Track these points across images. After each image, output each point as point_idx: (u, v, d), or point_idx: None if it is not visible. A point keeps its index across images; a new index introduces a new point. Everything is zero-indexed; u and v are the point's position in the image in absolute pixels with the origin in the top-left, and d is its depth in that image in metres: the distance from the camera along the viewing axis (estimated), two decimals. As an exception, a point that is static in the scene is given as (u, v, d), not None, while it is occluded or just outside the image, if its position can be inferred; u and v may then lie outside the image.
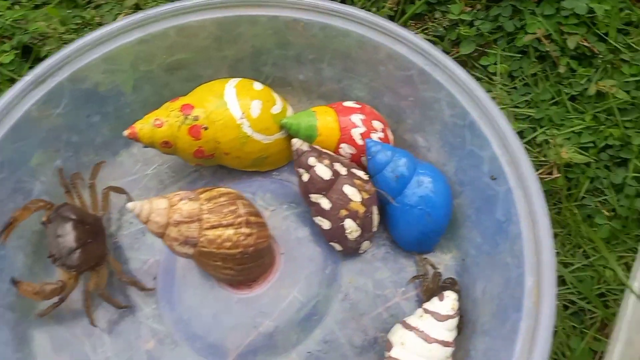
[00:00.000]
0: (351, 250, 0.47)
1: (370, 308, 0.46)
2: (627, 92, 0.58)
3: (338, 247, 0.47)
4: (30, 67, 0.57)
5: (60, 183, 0.47)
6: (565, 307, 0.51)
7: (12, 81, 0.54)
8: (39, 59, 0.57)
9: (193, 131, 0.45)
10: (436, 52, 0.47)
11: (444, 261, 0.49)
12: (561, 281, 0.52)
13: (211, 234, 0.39)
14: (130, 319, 0.45)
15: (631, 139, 0.56)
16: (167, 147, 0.46)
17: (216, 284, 0.45)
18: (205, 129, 0.45)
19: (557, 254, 0.53)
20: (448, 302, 0.42)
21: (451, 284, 0.46)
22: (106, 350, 0.44)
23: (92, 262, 0.44)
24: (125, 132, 0.45)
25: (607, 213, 0.54)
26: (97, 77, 0.48)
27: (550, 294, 0.38)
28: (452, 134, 0.48)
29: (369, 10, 0.63)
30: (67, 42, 0.57)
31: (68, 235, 0.43)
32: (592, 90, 0.58)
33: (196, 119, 0.45)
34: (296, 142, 0.45)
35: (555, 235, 0.54)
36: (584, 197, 0.55)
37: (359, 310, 0.46)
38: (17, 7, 0.60)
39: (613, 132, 0.57)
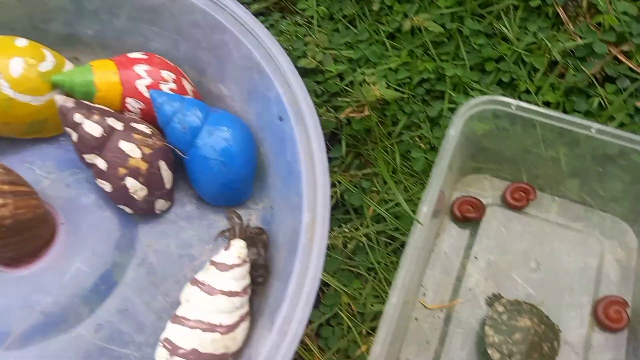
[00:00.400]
0: (144, 212, 0.44)
1: (174, 270, 0.44)
2: (442, 25, 0.58)
3: (128, 209, 0.44)
4: None
5: None
6: (387, 244, 0.51)
7: None
8: None
9: None
10: (211, -9, 0.44)
11: (256, 211, 0.48)
12: (382, 219, 0.51)
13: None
14: None
15: (445, 71, 0.56)
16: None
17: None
18: None
19: (377, 192, 0.53)
20: (234, 251, 0.40)
21: (257, 234, 0.44)
22: None
23: None
24: None
25: (423, 146, 0.54)
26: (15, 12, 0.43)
27: (323, 232, 0.37)
28: (245, 78, 0.46)
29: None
30: None
31: None
32: (407, 25, 0.58)
33: None
34: (59, 99, 0.41)
35: (376, 175, 0.54)
36: (401, 133, 0.55)
37: (159, 273, 0.44)
38: None
39: (428, 66, 0.57)
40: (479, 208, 0.51)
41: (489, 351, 0.44)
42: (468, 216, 0.51)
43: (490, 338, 0.45)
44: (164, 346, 0.37)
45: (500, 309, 0.46)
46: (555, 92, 0.56)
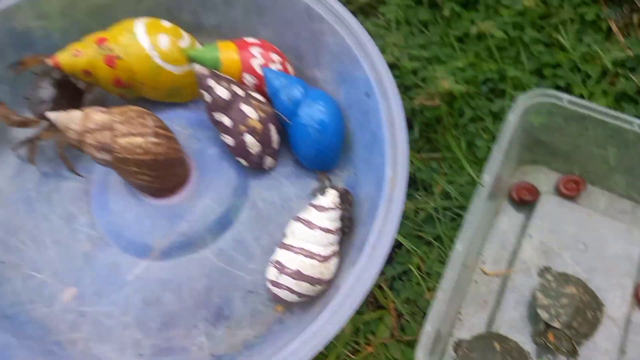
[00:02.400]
0: (256, 166, 0.54)
1: (277, 216, 0.54)
2: (505, 32, 0.67)
3: (244, 162, 0.54)
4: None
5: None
6: (452, 219, 0.59)
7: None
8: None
9: (109, 60, 0.51)
10: (317, -10, 0.54)
11: (341, 177, 0.57)
12: (449, 196, 0.59)
13: (123, 141, 0.46)
14: (68, 226, 0.52)
15: (507, 72, 0.65)
16: (88, 76, 0.52)
17: (139, 194, 0.52)
18: (120, 58, 0.51)
19: (445, 174, 0.61)
20: (329, 197, 0.49)
21: (344, 193, 0.53)
22: (49, 252, 0.51)
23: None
24: (49, 60, 0.51)
25: (486, 137, 0.62)
26: (28, 21, 0.54)
27: (402, 183, 0.45)
28: (338, 62, 0.55)
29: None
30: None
31: (46, 89, 0.51)
32: (474, 31, 0.66)
33: (110, 49, 0.51)
34: (197, 67, 0.51)
35: (444, 159, 0.62)
36: (467, 124, 0.63)
37: (266, 217, 0.54)
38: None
39: (491, 67, 0.65)
40: (535, 193, 0.59)
41: (539, 311, 0.51)
42: (524, 199, 0.58)
43: (540, 301, 0.51)
44: (274, 266, 0.47)
45: (550, 277, 0.53)
46: (607, 97, 0.63)
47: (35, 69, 0.54)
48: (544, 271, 0.54)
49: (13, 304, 0.49)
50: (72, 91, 0.55)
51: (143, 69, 0.53)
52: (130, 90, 0.55)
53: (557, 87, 0.65)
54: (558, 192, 0.59)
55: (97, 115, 0.46)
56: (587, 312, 0.51)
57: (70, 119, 0.45)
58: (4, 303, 0.49)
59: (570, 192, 0.58)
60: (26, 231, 0.53)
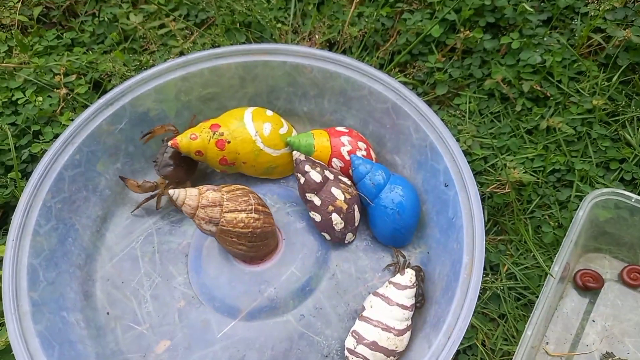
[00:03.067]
0: (338, 240, 0.60)
1: (353, 287, 0.59)
2: (574, 127, 0.71)
3: (327, 236, 0.60)
4: (99, 97, 0.73)
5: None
6: (517, 299, 0.62)
7: (85, 106, 0.70)
8: (105, 91, 0.73)
9: (219, 144, 0.60)
10: (405, 90, 0.61)
11: (414, 254, 0.62)
12: (514, 277, 0.63)
13: (229, 216, 0.53)
14: (167, 285, 0.59)
15: (574, 165, 0.69)
16: (199, 155, 0.60)
17: (233, 259, 0.59)
18: (229, 142, 0.60)
19: (511, 256, 0.65)
20: (407, 276, 0.54)
21: (417, 271, 0.58)
22: (148, 307, 0.58)
23: (176, 180, 0.62)
24: (169, 143, 0.60)
25: (552, 224, 0.66)
26: (149, 104, 0.64)
27: (478, 271, 0.50)
28: (418, 153, 0.62)
29: (362, 59, 0.79)
30: (126, 78, 0.73)
31: (170, 155, 0.62)
32: (543, 125, 0.72)
33: (222, 134, 0.60)
34: (296, 153, 0.59)
35: (511, 241, 0.66)
36: (534, 211, 0.68)
37: (343, 287, 0.59)
38: (90, 52, 0.78)
39: (559, 159, 0.69)
40: (599, 280, 0.61)
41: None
42: (588, 285, 0.61)
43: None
44: (353, 336, 0.52)
45: (613, 363, 0.55)
46: (672, 192, 0.66)
47: (163, 136, 0.63)
48: (607, 356, 0.56)
49: (114, 352, 0.56)
50: (189, 158, 0.63)
51: (247, 151, 0.61)
52: (231, 168, 0.63)
53: (622, 180, 0.68)
54: (622, 281, 0.62)
55: (209, 194, 0.54)
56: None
57: (188, 197, 0.53)
58: (107, 351, 0.56)
59: (634, 281, 0.61)
60: (130, 286, 0.60)
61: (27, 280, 0.49)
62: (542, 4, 0.83)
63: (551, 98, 0.74)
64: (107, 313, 0.58)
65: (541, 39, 0.77)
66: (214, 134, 0.60)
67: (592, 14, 0.78)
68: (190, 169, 0.64)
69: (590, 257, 0.64)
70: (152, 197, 0.63)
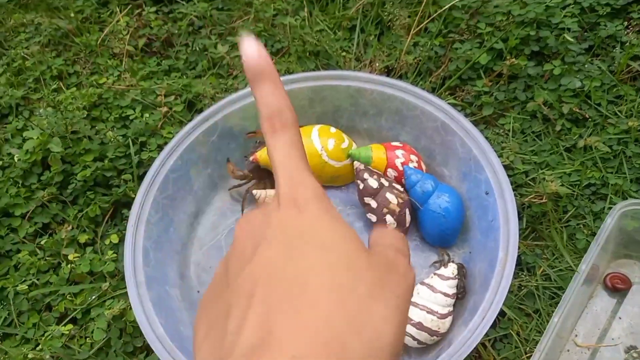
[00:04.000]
0: (390, 238, 0.70)
1: (402, 279, 0.69)
2: (610, 146, 0.78)
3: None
4: (193, 115, 0.87)
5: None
6: (551, 297, 0.70)
7: (181, 122, 0.84)
8: (197, 110, 0.87)
9: None
10: (452, 110, 0.71)
11: (458, 254, 0.71)
12: (548, 278, 0.71)
13: (300, 213, 0.65)
14: (245, 271, 0.71)
15: (609, 180, 0.76)
16: (275, 166, 0.73)
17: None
18: None
19: (546, 259, 0.73)
20: (449, 269, 0.64)
21: (460, 267, 0.67)
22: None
23: (258, 175, 0.75)
24: (250, 158, 0.73)
25: (586, 232, 0.73)
26: (235, 121, 0.77)
27: (511, 264, 0.59)
28: (464, 165, 0.71)
29: (417, 83, 0.89)
30: (215, 99, 0.87)
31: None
32: (581, 144, 0.79)
33: None
34: (356, 163, 0.70)
35: (547, 247, 0.74)
36: (569, 220, 0.75)
37: (393, 279, 0.69)
38: (184, 77, 0.92)
39: (595, 175, 0.77)
40: (627, 282, 0.68)
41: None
42: (617, 287, 0.68)
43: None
44: (402, 316, 0.61)
45: (635, 355, 0.62)
46: (703, 207, 0.72)
47: (259, 138, 0.76)
48: (631, 348, 0.63)
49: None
50: None
51: (314, 163, 0.72)
52: (302, 175, 0.74)
53: (656, 196, 0.75)
54: (650, 286, 0.68)
55: (287, 193, 0.65)
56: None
57: (267, 196, 0.65)
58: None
59: (660, 287, 0.67)
60: (214, 271, 0.72)
61: (142, 257, 0.62)
62: (585, 33, 0.91)
63: (589, 119, 0.81)
64: (198, 291, 0.70)
65: (582, 65, 0.85)
66: (287, 148, 0.72)
67: (632, 42, 0.86)
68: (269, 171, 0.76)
69: (621, 262, 0.71)
70: (240, 185, 0.76)
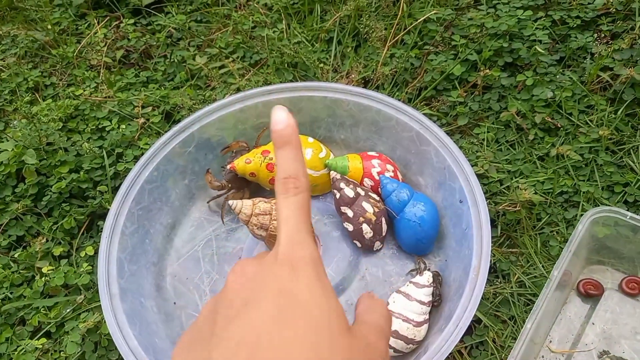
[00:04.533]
0: (367, 247, 0.71)
1: (380, 288, 0.69)
2: (581, 155, 0.80)
3: (358, 244, 0.71)
4: (170, 126, 0.87)
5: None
6: (526, 304, 0.71)
7: (158, 134, 0.84)
8: (174, 121, 0.87)
9: (269, 167, 0.72)
10: (427, 121, 0.72)
11: (434, 262, 0.72)
12: (523, 285, 0.72)
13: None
14: (223, 281, 0.71)
15: (581, 187, 0.77)
16: (253, 176, 0.73)
17: (277, 261, 0.70)
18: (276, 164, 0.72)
19: (521, 266, 0.73)
20: (425, 277, 0.64)
21: (436, 275, 0.68)
22: (207, 299, 0.69)
23: (236, 185, 0.75)
24: (228, 166, 0.73)
25: (559, 239, 0.75)
26: (212, 132, 0.77)
27: (484, 271, 0.59)
28: (438, 174, 0.72)
29: (393, 94, 0.90)
30: (193, 110, 0.87)
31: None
32: (553, 152, 0.81)
33: (271, 159, 0.72)
34: (333, 173, 0.70)
35: (522, 254, 0.75)
36: (543, 228, 0.76)
37: (371, 287, 0.69)
38: (162, 88, 0.92)
39: (567, 183, 0.78)
40: (599, 288, 0.69)
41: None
42: (590, 293, 0.69)
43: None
44: (378, 325, 0.62)
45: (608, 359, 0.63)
46: (672, 213, 0.74)
47: (234, 150, 0.76)
48: (603, 354, 0.64)
49: (180, 335, 0.67)
50: None
51: (292, 171, 0.72)
52: (280, 185, 0.74)
53: (626, 202, 0.76)
54: (621, 290, 0.69)
55: (262, 205, 0.65)
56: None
57: (244, 206, 0.65)
58: (174, 333, 0.67)
59: (632, 290, 0.68)
60: (192, 282, 0.72)
61: (116, 268, 0.61)
62: (556, 45, 0.93)
63: (561, 129, 0.83)
64: (174, 303, 0.69)
65: (553, 76, 0.87)
66: (264, 159, 0.72)
67: (602, 53, 0.88)
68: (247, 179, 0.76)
69: (593, 268, 0.72)
70: (219, 196, 0.76)
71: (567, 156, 0.80)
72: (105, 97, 0.89)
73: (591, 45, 0.90)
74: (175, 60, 0.97)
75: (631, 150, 0.80)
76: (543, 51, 0.88)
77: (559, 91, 0.85)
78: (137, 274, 0.66)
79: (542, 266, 0.72)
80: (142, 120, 0.84)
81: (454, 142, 0.81)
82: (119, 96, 0.88)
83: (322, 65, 0.94)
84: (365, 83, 0.94)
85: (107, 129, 0.84)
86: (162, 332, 0.64)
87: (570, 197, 0.78)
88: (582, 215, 0.75)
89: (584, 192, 0.77)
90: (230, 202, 0.65)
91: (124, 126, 0.83)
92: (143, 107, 0.86)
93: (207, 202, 0.77)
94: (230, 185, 0.74)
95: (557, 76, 0.87)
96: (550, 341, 0.67)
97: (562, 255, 0.65)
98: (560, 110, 0.85)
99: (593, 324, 0.67)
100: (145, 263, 0.68)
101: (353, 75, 0.93)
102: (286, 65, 0.95)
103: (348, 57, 0.96)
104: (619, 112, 0.83)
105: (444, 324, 0.60)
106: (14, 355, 0.65)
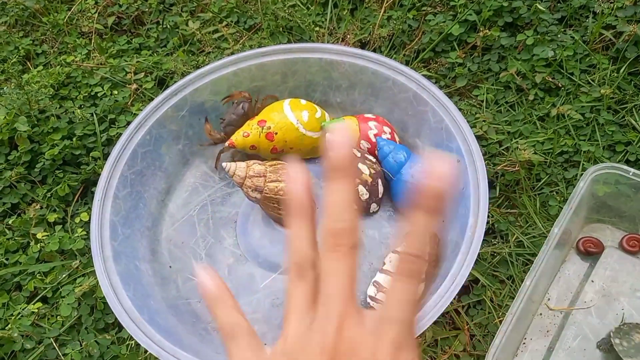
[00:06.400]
0: (364, 210, 0.70)
1: (376, 249, 0.69)
2: (582, 114, 0.78)
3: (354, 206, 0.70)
4: (163, 91, 0.86)
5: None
6: (524, 264, 0.70)
7: (152, 99, 0.82)
8: (168, 86, 0.86)
9: (269, 136, 0.71)
10: (424, 80, 0.70)
11: (431, 224, 0.71)
12: (522, 245, 0.71)
13: (272, 185, 0.64)
14: (219, 245, 0.70)
15: (581, 147, 0.76)
16: (253, 149, 0.71)
17: (274, 224, 0.70)
18: (276, 133, 0.71)
19: (520, 226, 0.73)
20: (421, 237, 0.63)
21: (433, 236, 0.67)
22: (203, 263, 0.69)
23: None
24: (226, 143, 0.72)
25: (559, 199, 0.73)
26: (206, 96, 0.76)
27: (480, 228, 0.59)
28: (435, 135, 0.71)
29: (391, 57, 0.88)
30: (188, 74, 0.85)
31: (235, 118, 0.73)
32: (554, 112, 0.79)
33: (269, 128, 0.71)
34: (327, 135, 0.69)
35: (521, 214, 0.74)
36: (542, 188, 0.75)
37: (368, 249, 0.69)
38: (155, 54, 0.91)
39: (568, 142, 0.77)
40: (599, 246, 0.68)
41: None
42: (590, 251, 0.68)
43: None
44: (374, 285, 0.61)
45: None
46: (674, 171, 0.72)
47: (239, 100, 0.75)
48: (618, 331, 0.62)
49: (176, 297, 0.67)
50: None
51: (292, 138, 0.71)
52: (281, 155, 0.73)
53: (628, 161, 0.75)
54: (621, 248, 0.68)
55: (255, 167, 0.64)
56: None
57: (238, 168, 0.64)
58: (170, 296, 0.67)
59: (632, 248, 0.67)
60: (188, 246, 0.71)
61: (109, 231, 0.61)
62: (558, 4, 0.90)
63: (562, 88, 0.81)
64: (170, 267, 0.69)
65: (555, 35, 0.85)
66: (262, 129, 0.71)
67: (604, 12, 0.86)
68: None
69: (593, 227, 0.71)
70: (215, 142, 0.75)
71: (568, 116, 0.78)
72: (98, 64, 0.87)
73: (593, 3, 0.88)
74: (168, 26, 0.95)
75: (633, 109, 0.79)
76: (544, 9, 0.86)
77: (560, 50, 0.83)
78: (132, 238, 0.65)
79: (542, 226, 0.72)
80: (134, 86, 0.83)
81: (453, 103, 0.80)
82: (110, 62, 0.87)
83: (317, 28, 0.92)
84: (362, 46, 0.92)
85: (99, 95, 0.82)
86: (157, 295, 0.64)
87: (571, 157, 0.77)
88: (582, 174, 0.74)
89: (584, 152, 0.76)
90: (223, 164, 0.64)
91: (116, 92, 0.82)
92: (135, 74, 0.85)
93: (199, 145, 0.76)
94: (228, 137, 0.73)
95: (559, 35, 0.85)
96: (549, 299, 0.66)
97: (562, 213, 0.64)
98: (562, 70, 0.83)
99: (592, 281, 0.67)
100: (139, 227, 0.68)
101: (349, 37, 0.91)
102: (281, 29, 0.93)
103: (344, 19, 0.93)
104: (622, 71, 0.81)
105: (440, 282, 0.60)
106: (11, 320, 0.65)
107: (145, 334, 0.53)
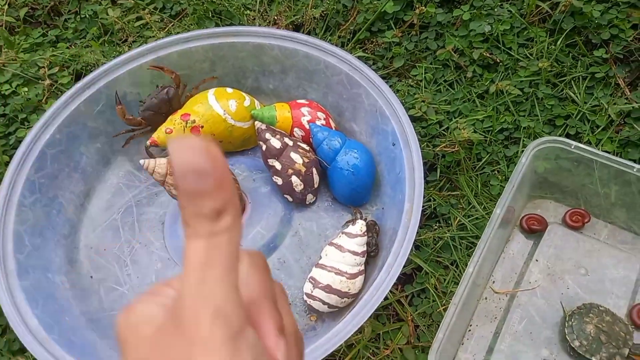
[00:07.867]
0: (299, 201, 0.66)
1: (314, 242, 0.65)
2: (521, 89, 0.76)
3: (290, 198, 0.66)
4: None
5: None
6: (468, 247, 0.68)
7: (67, 95, 0.76)
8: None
9: (194, 130, 0.66)
10: (355, 60, 0.66)
11: (371, 211, 0.68)
12: (465, 228, 0.69)
13: (195, 181, 0.59)
14: (145, 250, 0.65)
15: (521, 123, 0.74)
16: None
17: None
18: (202, 127, 0.66)
19: (462, 209, 0.70)
20: (357, 226, 0.60)
21: (373, 224, 0.64)
22: (129, 270, 0.64)
23: (151, 124, 0.69)
24: (147, 142, 0.66)
25: (500, 177, 0.71)
26: (125, 88, 0.70)
27: (416, 214, 0.55)
28: (371, 118, 0.67)
29: (326, 39, 0.84)
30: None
31: (156, 102, 0.67)
32: (493, 89, 0.77)
33: (194, 122, 0.66)
34: (257, 124, 0.65)
35: (463, 196, 0.72)
36: (484, 167, 0.73)
37: (305, 243, 0.65)
38: (73, 47, 0.84)
39: (507, 119, 0.74)
40: (542, 223, 0.66)
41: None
42: (533, 228, 0.66)
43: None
44: (310, 281, 0.57)
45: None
46: (613, 144, 0.71)
47: (164, 85, 0.69)
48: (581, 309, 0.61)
49: (98, 310, 0.62)
50: (173, 108, 0.70)
51: (221, 130, 0.66)
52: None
53: (568, 135, 0.73)
54: (565, 223, 0.67)
55: (177, 160, 0.59)
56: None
57: (157, 165, 0.59)
58: (91, 309, 0.61)
59: (575, 223, 0.66)
60: (111, 252, 0.66)
61: (12, 243, 0.55)
62: (494, -23, 0.88)
63: (501, 64, 0.79)
64: (91, 277, 0.64)
65: (491, 9, 0.82)
66: (186, 123, 0.66)
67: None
68: (166, 117, 0.69)
69: (536, 203, 0.69)
70: (127, 132, 0.70)
71: (507, 92, 0.76)
72: (8, 60, 0.80)
73: (529, -25, 0.86)
74: (87, 16, 0.88)
75: (572, 81, 0.77)
76: (479, -17, 0.83)
77: (497, 25, 0.80)
78: (43, 248, 0.59)
79: (484, 207, 0.69)
80: (48, 82, 0.76)
81: (390, 85, 0.77)
82: (21, 57, 0.80)
83: (247, 11, 0.87)
84: (297, 28, 0.87)
85: (7, 93, 0.76)
86: (74, 309, 0.58)
87: (511, 133, 0.74)
88: (522, 152, 0.72)
89: (524, 128, 0.74)
90: (141, 161, 0.59)
91: (26, 89, 0.75)
92: (50, 68, 0.78)
93: (113, 136, 0.70)
94: (145, 122, 0.68)
95: (495, 9, 0.83)
96: (494, 282, 0.64)
97: (505, 191, 0.61)
98: (499, 45, 0.80)
99: (537, 260, 0.65)
100: (53, 236, 0.62)
101: (282, 20, 0.86)
102: (210, 14, 0.87)
103: (275, 1, 0.89)
104: (559, 43, 0.79)
105: (378, 274, 0.57)
106: None
107: (52, 354, 0.48)
